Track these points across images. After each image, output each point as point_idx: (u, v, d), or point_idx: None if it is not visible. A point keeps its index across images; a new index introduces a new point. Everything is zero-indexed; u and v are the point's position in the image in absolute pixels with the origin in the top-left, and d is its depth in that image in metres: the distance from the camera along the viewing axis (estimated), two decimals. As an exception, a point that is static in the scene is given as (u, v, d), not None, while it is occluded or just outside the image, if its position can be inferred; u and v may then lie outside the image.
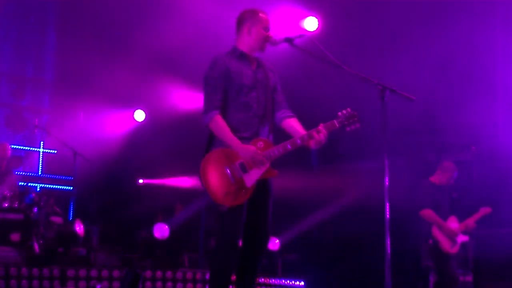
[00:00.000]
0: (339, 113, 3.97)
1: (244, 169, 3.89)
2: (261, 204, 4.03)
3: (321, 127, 3.94)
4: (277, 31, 4.31)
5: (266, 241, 4.08)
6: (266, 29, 4.12)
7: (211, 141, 4.01)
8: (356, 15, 8.41)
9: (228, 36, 4.48)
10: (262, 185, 3.99)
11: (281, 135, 4.19)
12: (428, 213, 6.73)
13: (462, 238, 6.83)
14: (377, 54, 8.27)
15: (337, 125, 3.96)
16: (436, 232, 6.71)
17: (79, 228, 7.76)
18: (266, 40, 4.10)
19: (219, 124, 3.91)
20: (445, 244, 6.68)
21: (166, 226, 8.58)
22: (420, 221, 6.84)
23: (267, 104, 4.11)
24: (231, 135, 3.89)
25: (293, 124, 4.14)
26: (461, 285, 7.43)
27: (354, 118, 3.96)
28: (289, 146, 3.93)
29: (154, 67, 9.59)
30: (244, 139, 3.95)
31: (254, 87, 4.06)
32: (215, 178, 3.88)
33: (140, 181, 10.61)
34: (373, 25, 8.36)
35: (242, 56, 4.12)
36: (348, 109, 3.98)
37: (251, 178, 3.89)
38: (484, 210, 7.02)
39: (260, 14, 4.15)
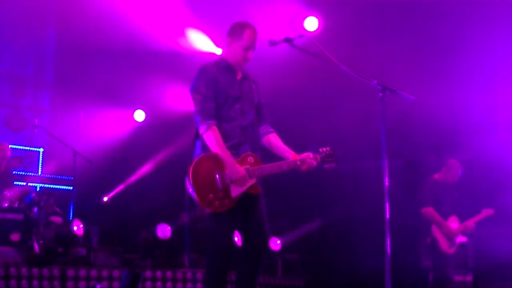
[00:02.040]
0: (320, 149, 4.19)
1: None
2: (255, 213, 4.05)
3: (305, 158, 4.07)
4: (277, 31, 4.31)
5: (264, 244, 4.10)
6: (247, 48, 4.10)
7: (196, 145, 4.04)
8: (357, 15, 8.41)
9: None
10: (253, 197, 4.03)
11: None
12: (429, 211, 6.71)
13: (460, 239, 6.81)
14: (377, 54, 8.27)
15: (319, 159, 4.17)
16: (435, 231, 6.69)
17: (77, 228, 7.76)
18: (243, 60, 4.12)
19: (215, 136, 3.92)
20: (443, 244, 6.67)
21: (169, 227, 8.59)
22: (420, 218, 6.83)
23: (251, 115, 4.15)
24: (224, 149, 3.92)
25: (275, 141, 4.25)
26: (461, 285, 7.43)
27: (332, 157, 4.19)
28: (275, 169, 4.05)
29: (154, 66, 9.60)
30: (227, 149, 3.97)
31: (239, 98, 4.10)
32: (203, 181, 3.88)
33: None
34: (373, 25, 8.35)
35: (228, 67, 4.14)
36: (328, 148, 4.19)
37: (237, 189, 3.92)
38: (487, 212, 7.00)
39: (245, 33, 4.11)
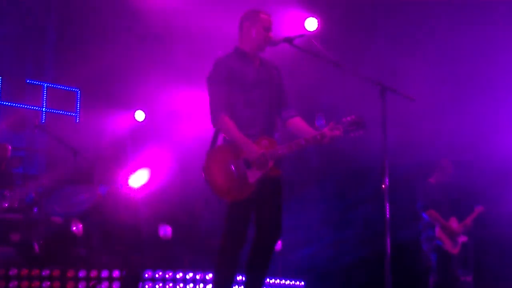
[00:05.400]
0: (343, 119, 4.01)
1: (248, 164, 3.91)
2: (271, 201, 4.05)
3: (326, 131, 3.96)
4: (277, 32, 4.31)
5: (276, 237, 4.10)
6: (267, 29, 4.13)
7: (216, 137, 4.05)
8: (356, 15, 8.41)
9: (227, 36, 4.48)
10: (271, 182, 4.00)
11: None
12: (432, 214, 6.74)
13: (462, 239, 6.85)
14: (378, 54, 8.27)
15: (342, 129, 3.99)
16: (440, 232, 6.72)
17: (76, 227, 7.74)
18: (265, 40, 4.11)
19: (227, 124, 3.94)
20: (448, 245, 6.70)
21: (170, 227, 8.58)
22: (421, 221, 6.85)
23: (272, 102, 4.13)
24: (238, 133, 3.92)
25: (299, 124, 4.19)
26: (461, 285, 7.44)
27: (358, 124, 3.99)
28: (294, 147, 3.96)
29: (155, 66, 9.59)
30: (250, 136, 3.97)
31: (257, 85, 4.08)
32: (219, 173, 3.90)
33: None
34: (373, 25, 8.36)
35: (244, 55, 4.14)
36: (353, 116, 4.01)
37: (255, 174, 3.90)
38: (478, 210, 7.07)
39: (261, 15, 4.17)
